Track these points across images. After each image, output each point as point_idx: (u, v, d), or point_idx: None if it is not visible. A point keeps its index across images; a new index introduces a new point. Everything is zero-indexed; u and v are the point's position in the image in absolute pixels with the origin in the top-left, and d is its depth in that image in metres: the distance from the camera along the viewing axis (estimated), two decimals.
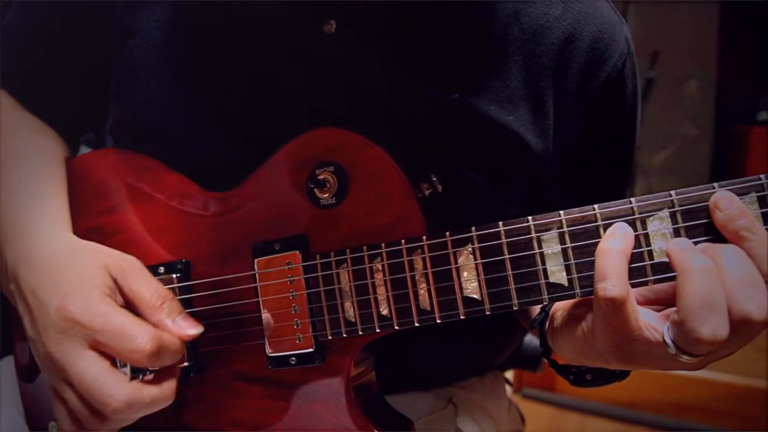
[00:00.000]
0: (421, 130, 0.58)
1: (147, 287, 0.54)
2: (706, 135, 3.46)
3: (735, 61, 3.18)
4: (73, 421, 0.52)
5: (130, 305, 0.54)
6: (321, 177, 0.55)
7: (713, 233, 0.43)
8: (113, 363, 0.51)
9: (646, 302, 0.47)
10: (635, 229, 0.45)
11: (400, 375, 0.69)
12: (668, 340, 0.41)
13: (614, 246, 0.43)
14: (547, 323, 0.54)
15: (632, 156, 0.68)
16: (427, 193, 0.54)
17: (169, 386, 0.52)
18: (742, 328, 0.39)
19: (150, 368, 0.54)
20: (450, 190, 0.58)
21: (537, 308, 0.57)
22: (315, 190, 0.55)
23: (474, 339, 0.72)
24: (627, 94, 0.62)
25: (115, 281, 0.53)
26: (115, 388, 0.49)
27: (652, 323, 0.43)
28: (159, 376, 0.53)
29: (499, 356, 0.79)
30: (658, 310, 0.44)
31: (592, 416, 2.02)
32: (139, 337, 0.49)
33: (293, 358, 0.55)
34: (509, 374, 1.03)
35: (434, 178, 0.54)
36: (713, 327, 0.38)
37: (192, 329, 0.53)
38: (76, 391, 0.50)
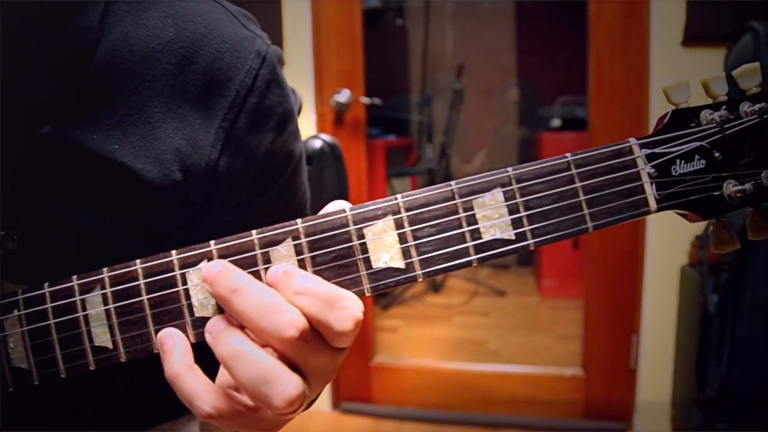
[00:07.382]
0: (10, 174, 0.54)
1: None
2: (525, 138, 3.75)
3: (532, 72, 3.48)
4: None
5: None
6: None
7: None
8: None
9: None
10: (176, 285, 0.44)
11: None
12: None
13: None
14: None
15: (288, 172, 0.66)
16: None
17: None
18: (299, 350, 0.38)
19: None
20: (52, 238, 0.54)
21: None
22: None
23: (145, 384, 0.69)
24: (266, 107, 0.61)
25: None
26: None
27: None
28: None
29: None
30: None
31: (407, 422, 2.08)
32: None
33: None
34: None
35: (2, 233, 0.50)
36: (281, 395, 0.37)
37: None
38: None
